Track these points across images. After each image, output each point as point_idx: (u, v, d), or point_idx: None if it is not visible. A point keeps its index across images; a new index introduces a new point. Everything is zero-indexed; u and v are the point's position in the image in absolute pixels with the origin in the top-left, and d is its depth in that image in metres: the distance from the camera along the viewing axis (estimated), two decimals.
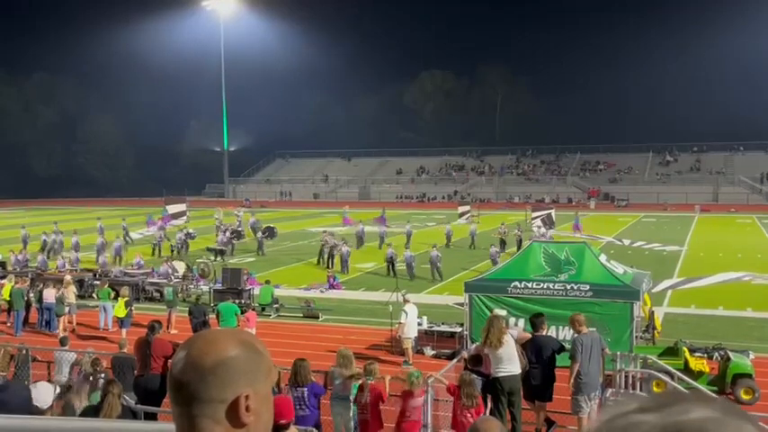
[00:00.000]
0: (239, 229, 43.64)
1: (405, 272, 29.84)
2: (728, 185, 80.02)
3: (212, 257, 35.01)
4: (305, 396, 10.90)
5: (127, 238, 41.45)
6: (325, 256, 33.54)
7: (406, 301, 18.44)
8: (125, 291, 21.16)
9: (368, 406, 10.97)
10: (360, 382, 11.24)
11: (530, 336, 12.59)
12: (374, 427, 11.00)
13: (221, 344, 1.50)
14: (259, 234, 40.19)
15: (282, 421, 6.72)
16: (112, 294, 22.31)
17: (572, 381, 11.77)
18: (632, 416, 0.97)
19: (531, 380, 12.02)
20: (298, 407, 10.64)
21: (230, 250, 38.06)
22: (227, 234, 39.88)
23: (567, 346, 12.66)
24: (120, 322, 20.38)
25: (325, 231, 37.90)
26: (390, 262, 30.76)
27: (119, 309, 20.37)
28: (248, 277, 26.60)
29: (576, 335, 12.45)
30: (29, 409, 6.42)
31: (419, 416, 10.90)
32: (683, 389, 11.63)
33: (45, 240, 37.46)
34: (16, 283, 22.20)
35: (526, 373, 11.87)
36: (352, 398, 11.26)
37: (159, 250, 37.55)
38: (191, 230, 42.16)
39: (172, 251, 36.84)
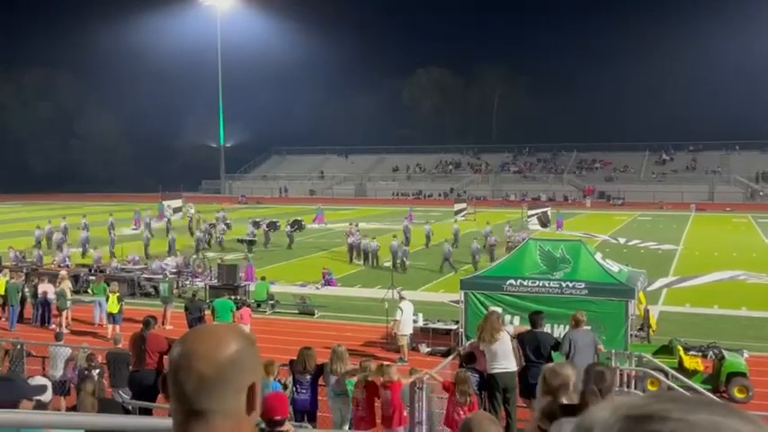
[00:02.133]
0: (275, 220, 44.58)
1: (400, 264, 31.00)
2: (724, 185, 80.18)
3: (244, 249, 36.86)
4: (308, 381, 11.46)
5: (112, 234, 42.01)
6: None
7: (401, 298, 18.48)
8: (115, 286, 21.20)
9: (363, 402, 10.99)
10: (354, 378, 11.26)
11: (526, 328, 12.60)
12: (368, 423, 11.00)
13: (230, 338, 1.54)
14: (288, 228, 41.06)
15: (277, 417, 6.73)
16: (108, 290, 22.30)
17: None
18: None
19: (529, 378, 12.02)
20: (304, 391, 11.41)
21: (267, 242, 39.43)
22: (264, 226, 41.26)
23: None
24: (113, 318, 20.36)
25: (351, 223, 39.37)
26: (351, 249, 33.59)
27: (112, 304, 20.34)
28: (248, 266, 26.99)
29: (569, 330, 12.48)
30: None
31: (391, 409, 10.83)
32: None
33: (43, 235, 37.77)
34: (11, 278, 22.18)
35: (523, 371, 11.87)
36: (350, 394, 11.29)
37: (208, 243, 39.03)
38: (229, 221, 44.45)
39: (220, 243, 38.89)
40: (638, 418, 0.90)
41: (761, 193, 76.79)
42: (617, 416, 0.92)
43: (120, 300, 20.50)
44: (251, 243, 37.89)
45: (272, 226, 42.44)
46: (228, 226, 42.71)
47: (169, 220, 45.77)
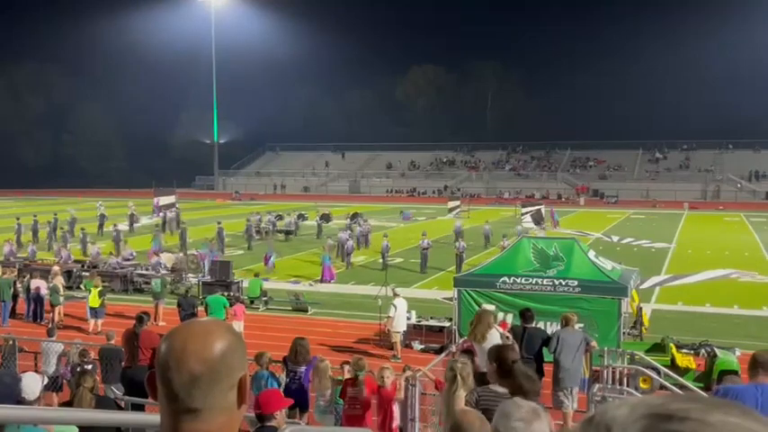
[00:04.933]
0: (327, 212, 46.20)
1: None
2: (717, 183, 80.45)
3: (282, 237, 38.79)
4: (302, 372, 11.53)
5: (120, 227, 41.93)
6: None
7: (395, 295, 18.47)
8: (98, 281, 21.13)
9: (360, 401, 10.85)
10: (340, 386, 11.15)
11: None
12: (361, 422, 10.91)
13: (219, 334, 1.52)
14: (348, 219, 42.13)
15: (268, 413, 6.71)
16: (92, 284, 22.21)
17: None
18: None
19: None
20: (297, 380, 11.47)
21: (319, 233, 39.96)
22: (318, 218, 42.68)
23: None
24: (94, 312, 20.24)
25: (385, 221, 40.71)
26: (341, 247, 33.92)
27: (93, 299, 20.23)
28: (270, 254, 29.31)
29: (560, 328, 12.51)
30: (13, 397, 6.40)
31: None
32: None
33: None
34: (3, 273, 22.08)
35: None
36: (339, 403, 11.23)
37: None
38: (279, 213, 45.79)
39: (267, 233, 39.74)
40: (657, 417, 0.91)
41: (740, 189, 77.48)
42: (636, 414, 0.92)
43: (101, 294, 20.40)
44: (288, 233, 39.28)
45: (326, 218, 43.46)
46: (280, 217, 43.49)
47: (177, 215, 45.80)
